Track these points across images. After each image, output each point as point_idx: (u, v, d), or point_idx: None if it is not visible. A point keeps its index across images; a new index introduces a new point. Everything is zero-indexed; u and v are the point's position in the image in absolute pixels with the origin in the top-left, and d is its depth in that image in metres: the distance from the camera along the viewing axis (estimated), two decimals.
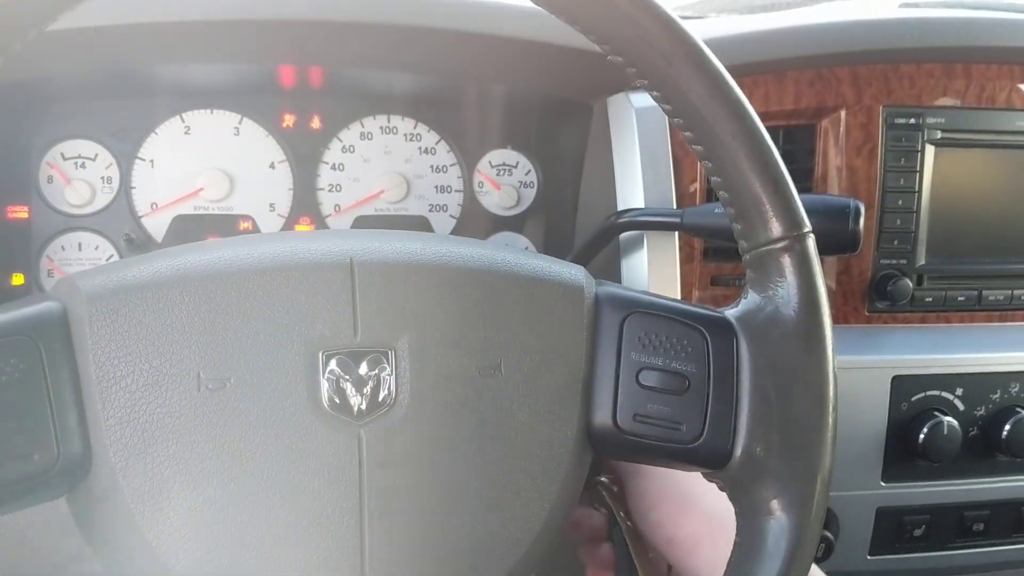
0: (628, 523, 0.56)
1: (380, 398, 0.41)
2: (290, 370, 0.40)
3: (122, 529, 0.39)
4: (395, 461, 0.41)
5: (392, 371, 0.41)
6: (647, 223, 0.73)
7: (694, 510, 0.50)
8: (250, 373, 0.40)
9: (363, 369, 0.40)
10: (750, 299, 0.44)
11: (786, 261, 0.42)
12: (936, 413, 0.81)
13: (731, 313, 0.45)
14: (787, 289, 0.43)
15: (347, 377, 0.40)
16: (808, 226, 0.43)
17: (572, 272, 0.46)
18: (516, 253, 0.46)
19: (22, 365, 0.38)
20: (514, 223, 0.94)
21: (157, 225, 0.86)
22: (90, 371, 0.39)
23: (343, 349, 0.41)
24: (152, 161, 0.86)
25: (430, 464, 0.41)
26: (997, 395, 0.83)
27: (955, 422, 0.80)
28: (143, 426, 0.39)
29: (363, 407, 0.40)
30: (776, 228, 0.42)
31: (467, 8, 0.74)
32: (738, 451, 0.43)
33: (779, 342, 0.43)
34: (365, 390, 0.40)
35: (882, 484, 0.82)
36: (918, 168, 0.82)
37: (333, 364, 0.40)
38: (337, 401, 0.40)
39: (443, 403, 0.42)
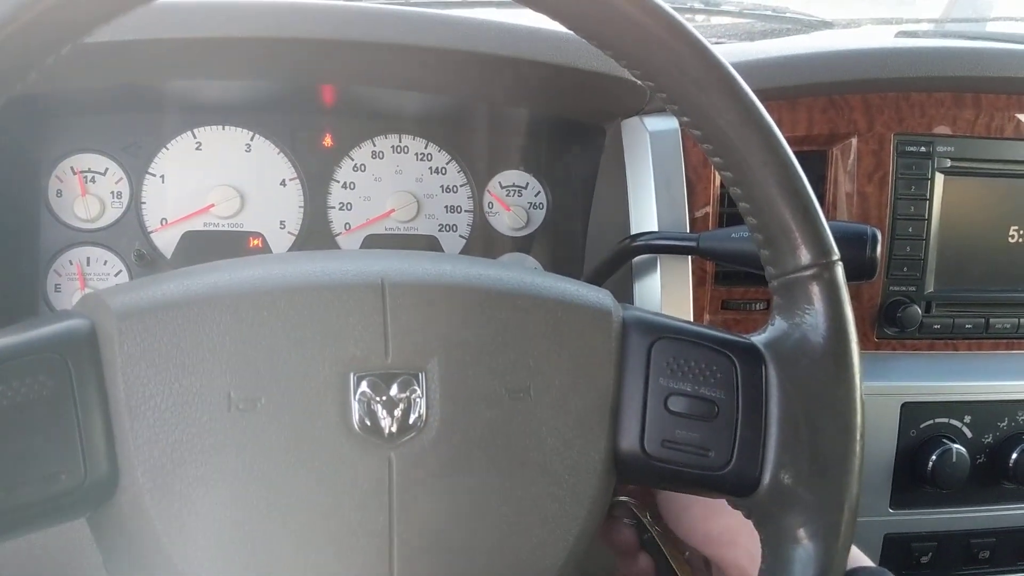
0: (658, 528, 0.55)
1: (411, 420, 0.40)
2: (321, 391, 0.40)
3: (147, 551, 0.39)
4: (425, 484, 0.40)
5: (423, 393, 0.41)
6: (663, 247, 0.73)
7: (725, 507, 0.50)
8: (281, 394, 0.39)
9: (394, 391, 0.40)
10: (777, 325, 0.44)
11: (814, 289, 0.42)
12: (944, 440, 0.81)
13: (758, 339, 0.45)
14: (815, 316, 0.43)
15: (378, 399, 0.40)
16: (837, 254, 0.43)
17: (599, 296, 0.46)
18: (544, 276, 0.46)
19: (51, 383, 0.37)
20: (523, 244, 0.94)
21: (167, 241, 0.86)
22: (119, 389, 0.38)
23: (374, 370, 0.40)
24: (163, 176, 0.86)
25: (459, 487, 0.41)
26: (1005, 423, 0.83)
27: (963, 449, 0.80)
28: (172, 446, 0.38)
29: (393, 429, 0.40)
30: (805, 256, 0.42)
31: (483, 30, 0.74)
32: (766, 478, 0.43)
33: (807, 369, 0.43)
34: (396, 412, 0.40)
35: (890, 511, 0.82)
36: (928, 196, 0.83)
37: (364, 386, 0.40)
38: (368, 423, 0.40)
39: (473, 426, 0.41)
